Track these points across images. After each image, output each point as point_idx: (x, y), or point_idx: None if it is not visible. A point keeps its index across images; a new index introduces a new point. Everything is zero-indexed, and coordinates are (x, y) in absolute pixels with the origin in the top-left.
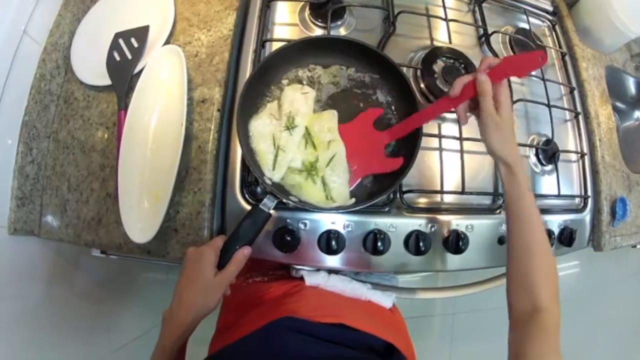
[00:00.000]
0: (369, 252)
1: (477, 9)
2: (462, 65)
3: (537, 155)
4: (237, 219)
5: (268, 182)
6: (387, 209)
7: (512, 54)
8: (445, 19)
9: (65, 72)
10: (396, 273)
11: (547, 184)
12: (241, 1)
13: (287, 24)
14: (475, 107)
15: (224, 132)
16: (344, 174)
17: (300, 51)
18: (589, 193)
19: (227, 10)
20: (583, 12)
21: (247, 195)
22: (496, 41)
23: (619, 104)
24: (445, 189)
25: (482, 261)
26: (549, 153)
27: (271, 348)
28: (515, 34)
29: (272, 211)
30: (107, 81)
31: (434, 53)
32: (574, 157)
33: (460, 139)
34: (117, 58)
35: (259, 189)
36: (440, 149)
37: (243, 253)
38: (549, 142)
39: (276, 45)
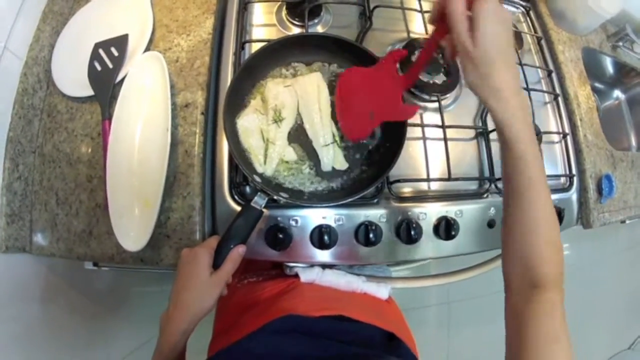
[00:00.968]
0: (362, 244)
1: None
2: (440, 55)
3: None
4: (228, 221)
5: (258, 179)
6: (376, 201)
7: None
8: (421, 11)
9: (47, 85)
10: (390, 265)
11: None
12: (218, 5)
13: (265, 24)
14: None
15: (209, 134)
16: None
17: (282, 50)
18: (574, 172)
19: (204, 15)
20: None
21: (236, 196)
22: None
23: (597, 85)
24: (432, 176)
25: (474, 245)
26: None
27: (270, 349)
28: None
29: (263, 209)
30: (89, 92)
31: (411, 44)
32: (556, 138)
33: (443, 126)
34: (99, 68)
35: (247, 189)
36: (424, 138)
37: (238, 251)
38: None
39: (256, 46)
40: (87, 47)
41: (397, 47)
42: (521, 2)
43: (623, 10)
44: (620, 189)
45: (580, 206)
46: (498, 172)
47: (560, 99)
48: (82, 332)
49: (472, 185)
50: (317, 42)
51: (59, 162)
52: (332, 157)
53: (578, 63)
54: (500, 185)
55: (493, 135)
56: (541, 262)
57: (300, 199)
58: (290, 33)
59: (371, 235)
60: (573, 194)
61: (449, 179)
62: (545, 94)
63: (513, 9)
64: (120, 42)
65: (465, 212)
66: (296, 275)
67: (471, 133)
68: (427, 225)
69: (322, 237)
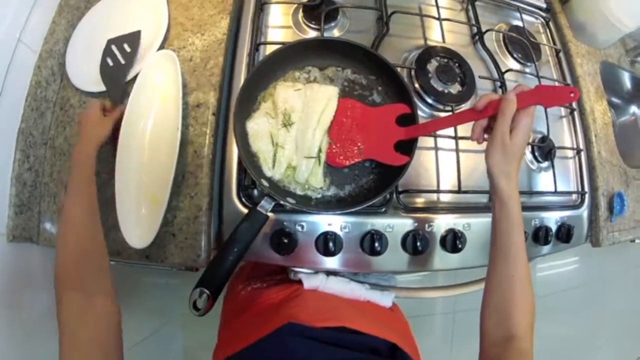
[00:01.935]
0: (367, 253)
1: (470, 7)
2: (457, 64)
3: (532, 152)
4: (235, 223)
5: (265, 183)
6: (383, 210)
7: (506, 52)
8: (439, 18)
9: (61, 78)
10: (394, 273)
11: (544, 181)
12: (234, 5)
13: (281, 26)
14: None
15: (220, 135)
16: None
17: (296, 53)
18: (586, 189)
19: (220, 15)
20: (576, 8)
21: (244, 199)
22: (490, 39)
23: (614, 99)
24: (442, 188)
25: (481, 259)
26: (544, 150)
27: (276, 355)
28: (509, 32)
29: (269, 213)
30: (102, 87)
31: (427, 52)
32: (570, 153)
33: (456, 137)
34: (111, 64)
35: (255, 192)
36: (436, 149)
37: (121, 109)
38: (544, 139)
39: (270, 48)
40: (102, 43)
41: (413, 54)
42: (541, 13)
43: None
44: (631, 207)
45: (590, 224)
46: None
47: (576, 114)
48: None
49: (482, 199)
50: (334, 47)
51: (70, 155)
52: (310, 171)
53: (596, 77)
54: None
55: None
56: (516, 312)
57: (307, 205)
58: (306, 36)
59: (377, 245)
60: (584, 212)
61: (459, 191)
62: (562, 108)
63: (532, 20)
64: (133, 38)
65: (473, 226)
66: (300, 281)
67: (483, 145)
68: (433, 237)
69: (327, 243)
